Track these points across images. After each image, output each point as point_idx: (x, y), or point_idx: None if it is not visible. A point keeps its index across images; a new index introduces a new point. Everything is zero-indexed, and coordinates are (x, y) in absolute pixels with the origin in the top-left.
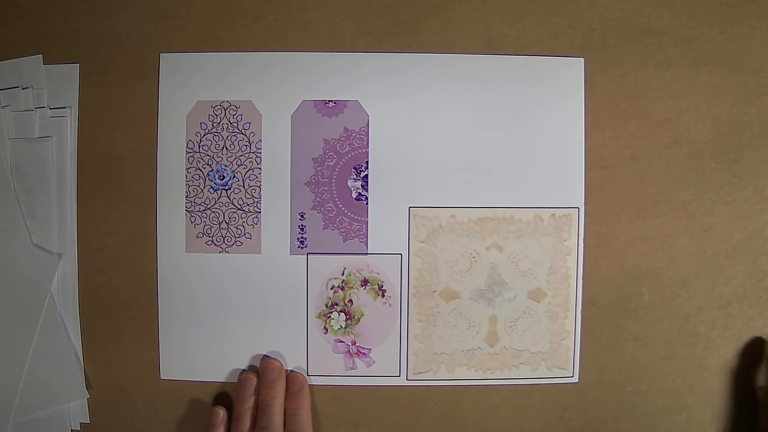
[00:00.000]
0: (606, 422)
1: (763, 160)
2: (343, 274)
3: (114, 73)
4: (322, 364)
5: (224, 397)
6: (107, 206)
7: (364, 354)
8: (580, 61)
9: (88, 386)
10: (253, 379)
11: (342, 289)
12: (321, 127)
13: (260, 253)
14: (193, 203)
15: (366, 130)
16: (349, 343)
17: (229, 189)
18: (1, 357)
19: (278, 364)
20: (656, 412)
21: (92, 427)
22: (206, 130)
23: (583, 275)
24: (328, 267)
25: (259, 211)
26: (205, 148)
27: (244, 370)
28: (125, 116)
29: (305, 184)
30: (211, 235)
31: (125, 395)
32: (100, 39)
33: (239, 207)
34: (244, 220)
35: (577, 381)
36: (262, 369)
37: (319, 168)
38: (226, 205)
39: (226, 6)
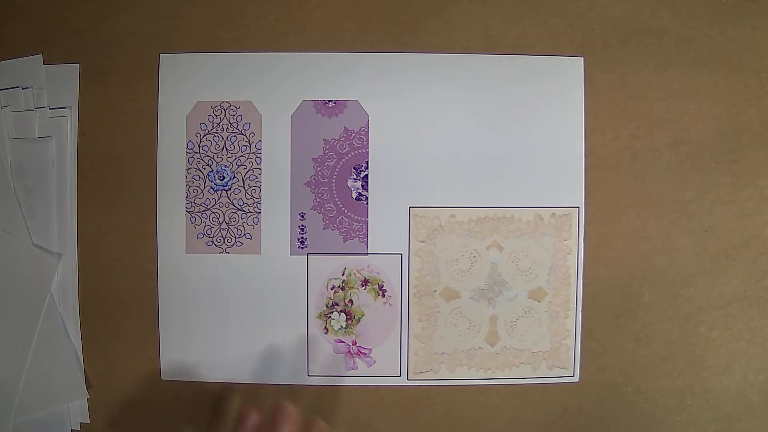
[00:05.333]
0: (606, 422)
1: (763, 160)
2: (343, 274)
3: (114, 73)
4: (323, 364)
5: (224, 396)
6: (107, 206)
7: (365, 354)
8: (580, 61)
9: (88, 386)
10: (254, 417)
11: (342, 289)
12: (321, 127)
13: (260, 253)
14: (193, 204)
15: (366, 130)
16: (350, 343)
17: (229, 189)
18: (1, 357)
19: (291, 409)
20: (656, 412)
21: (92, 427)
22: (206, 131)
23: (583, 275)
24: (328, 267)
25: (259, 211)
26: (205, 148)
27: (243, 406)
28: (125, 116)
29: (305, 184)
30: (211, 236)
31: (125, 395)
32: (100, 39)
33: (239, 207)
34: (244, 220)
35: (577, 380)
36: (273, 410)
37: (319, 168)
38: (226, 205)
39: (226, 6)
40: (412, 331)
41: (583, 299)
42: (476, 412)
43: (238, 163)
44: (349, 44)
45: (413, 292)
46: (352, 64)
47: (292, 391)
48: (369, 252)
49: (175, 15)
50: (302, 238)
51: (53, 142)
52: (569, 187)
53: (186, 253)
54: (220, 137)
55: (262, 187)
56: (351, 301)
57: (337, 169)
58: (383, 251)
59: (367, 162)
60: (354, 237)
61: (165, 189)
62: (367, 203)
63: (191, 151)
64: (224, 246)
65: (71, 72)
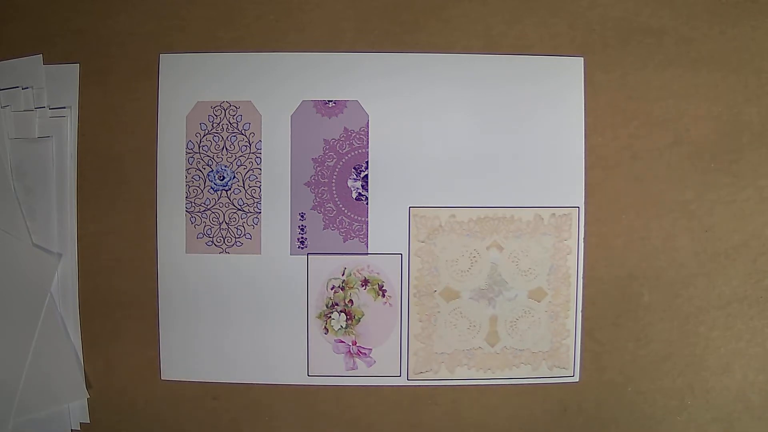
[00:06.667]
0: (606, 422)
1: (763, 160)
2: (343, 274)
3: (114, 73)
4: (323, 364)
5: (223, 396)
6: (107, 206)
7: (365, 354)
8: (580, 61)
9: (88, 386)
10: None
11: (342, 289)
12: (321, 127)
13: (260, 253)
14: (193, 204)
15: (366, 130)
16: (350, 343)
17: (229, 189)
18: (1, 357)
19: None
20: (656, 412)
21: (92, 427)
22: (206, 131)
23: (583, 275)
24: (328, 267)
25: (259, 211)
26: (205, 148)
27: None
28: (125, 116)
29: (305, 184)
30: (211, 236)
31: (125, 395)
32: (100, 39)
33: (239, 207)
34: (244, 220)
35: (577, 380)
36: None
37: (319, 168)
38: (226, 205)
39: (226, 6)
40: (412, 331)
41: (583, 299)
42: (476, 412)
43: (238, 163)
44: (349, 44)
45: (413, 292)
46: (352, 64)
47: (292, 391)
48: (369, 252)
49: (175, 15)
50: (302, 238)
51: (53, 142)
52: (569, 187)
53: (186, 253)
54: (220, 137)
55: (262, 187)
56: (351, 301)
57: (337, 169)
58: (383, 251)
59: (367, 162)
60: (354, 237)
61: (165, 189)
62: (367, 203)
63: (191, 151)
64: (224, 246)
65: (71, 72)
